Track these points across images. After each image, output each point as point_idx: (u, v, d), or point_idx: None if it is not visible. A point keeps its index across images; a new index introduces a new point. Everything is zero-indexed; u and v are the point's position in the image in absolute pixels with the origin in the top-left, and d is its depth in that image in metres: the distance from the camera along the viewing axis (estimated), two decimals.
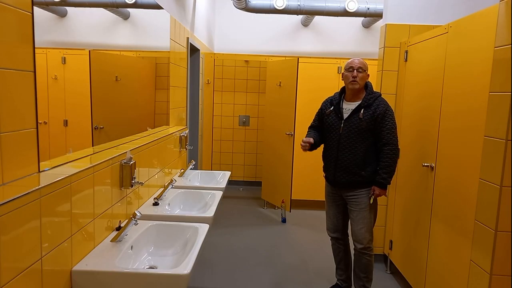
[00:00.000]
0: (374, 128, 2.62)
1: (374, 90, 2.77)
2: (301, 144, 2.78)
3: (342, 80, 2.78)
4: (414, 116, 3.04)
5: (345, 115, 2.71)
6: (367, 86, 2.73)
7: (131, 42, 2.47)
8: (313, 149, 2.85)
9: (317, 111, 2.96)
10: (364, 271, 2.78)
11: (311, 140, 2.75)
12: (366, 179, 2.67)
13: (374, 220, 2.80)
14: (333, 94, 2.89)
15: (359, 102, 2.68)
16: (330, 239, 2.99)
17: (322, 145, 2.91)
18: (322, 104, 2.92)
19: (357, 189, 2.70)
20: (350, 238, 2.90)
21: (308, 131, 2.97)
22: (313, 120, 2.98)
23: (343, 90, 2.82)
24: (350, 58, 2.78)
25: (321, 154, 2.90)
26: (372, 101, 2.65)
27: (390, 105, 2.71)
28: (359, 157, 2.64)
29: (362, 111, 2.63)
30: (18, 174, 1.22)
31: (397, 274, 3.31)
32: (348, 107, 2.72)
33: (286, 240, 4.19)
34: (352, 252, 2.88)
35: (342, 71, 2.80)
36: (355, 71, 2.66)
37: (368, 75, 2.74)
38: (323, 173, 2.91)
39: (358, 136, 2.63)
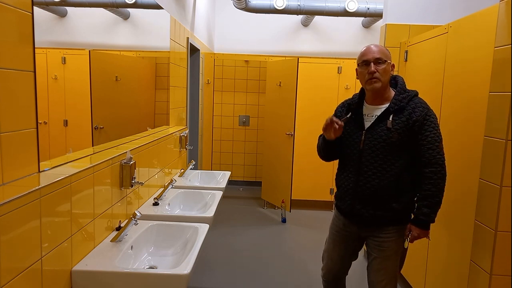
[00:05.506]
0: (410, 141, 1.88)
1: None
2: (327, 121, 1.93)
3: (357, 78, 2.04)
4: None
5: (367, 124, 1.96)
6: (396, 82, 1.99)
7: (131, 42, 2.47)
8: (331, 151, 2.09)
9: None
10: None
11: (340, 122, 1.91)
12: (398, 214, 1.93)
13: (401, 266, 2.04)
14: (351, 96, 2.15)
15: (387, 105, 1.94)
16: (323, 281, 2.30)
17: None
18: (336, 109, 2.16)
19: (384, 228, 1.95)
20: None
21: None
22: None
23: (363, 90, 2.06)
24: (365, 47, 1.97)
25: (334, 175, 2.20)
26: (405, 103, 1.90)
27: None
28: (390, 182, 1.88)
29: (391, 118, 1.89)
30: (18, 174, 1.22)
31: None
32: (370, 112, 1.98)
33: (286, 240, 4.19)
34: None
35: (356, 67, 2.03)
36: (372, 64, 1.89)
37: (393, 65, 1.98)
38: (333, 199, 2.21)
39: (386, 153, 1.88)
